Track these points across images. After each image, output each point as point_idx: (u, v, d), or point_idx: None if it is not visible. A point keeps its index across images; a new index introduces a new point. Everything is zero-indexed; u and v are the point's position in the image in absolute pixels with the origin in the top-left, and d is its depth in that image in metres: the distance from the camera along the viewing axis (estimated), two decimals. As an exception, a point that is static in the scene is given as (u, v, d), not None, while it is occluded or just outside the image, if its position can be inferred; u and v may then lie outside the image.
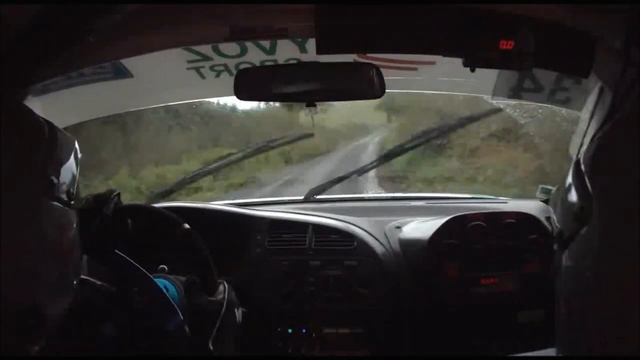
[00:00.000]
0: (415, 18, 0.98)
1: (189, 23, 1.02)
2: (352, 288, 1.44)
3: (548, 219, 1.47)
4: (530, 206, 1.63)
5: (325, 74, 1.15)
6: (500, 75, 1.52)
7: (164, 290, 1.06)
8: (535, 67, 1.06)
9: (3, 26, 0.71)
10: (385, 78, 1.12)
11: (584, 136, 1.29)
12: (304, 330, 1.45)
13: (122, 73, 1.45)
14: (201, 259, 1.15)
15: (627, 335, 0.49)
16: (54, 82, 1.31)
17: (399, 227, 1.60)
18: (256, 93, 1.23)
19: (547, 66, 1.10)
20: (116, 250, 1.06)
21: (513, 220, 1.42)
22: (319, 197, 1.95)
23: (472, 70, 1.00)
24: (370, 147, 7.77)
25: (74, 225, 0.81)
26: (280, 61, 1.52)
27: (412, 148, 2.01)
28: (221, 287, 1.01)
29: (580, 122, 1.40)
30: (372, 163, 2.02)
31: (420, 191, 3.49)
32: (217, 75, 1.59)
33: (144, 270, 1.06)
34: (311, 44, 1.11)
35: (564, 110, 1.68)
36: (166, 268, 1.14)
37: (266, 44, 1.44)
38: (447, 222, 1.44)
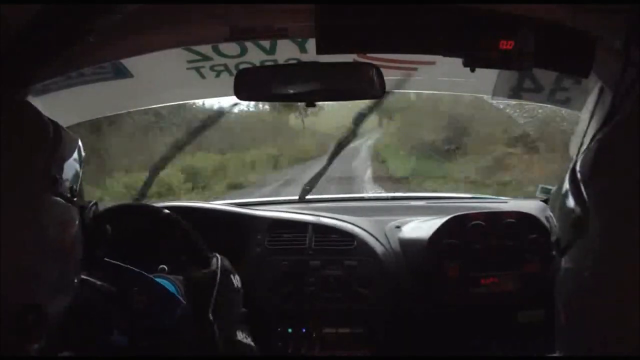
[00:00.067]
0: (415, 18, 0.98)
1: (189, 23, 1.02)
2: (352, 288, 1.44)
3: (548, 218, 1.47)
4: (530, 206, 1.63)
5: (325, 74, 1.14)
6: (500, 75, 1.52)
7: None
8: (535, 67, 1.06)
9: (3, 26, 0.71)
10: (385, 78, 1.12)
11: (584, 136, 1.29)
12: (304, 330, 1.45)
13: (122, 73, 1.45)
14: (187, 238, 1.15)
15: (627, 335, 0.49)
16: (54, 82, 1.31)
17: (399, 227, 1.60)
18: (256, 93, 1.23)
19: (547, 66, 1.10)
20: (105, 258, 1.06)
21: (513, 220, 1.42)
22: (318, 197, 1.95)
23: (472, 70, 1.00)
24: (362, 152, 7.68)
25: (76, 222, 0.81)
26: (280, 61, 1.52)
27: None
28: (214, 260, 1.01)
29: (580, 122, 1.40)
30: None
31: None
32: (217, 75, 1.59)
33: (137, 270, 1.06)
34: (311, 44, 1.11)
35: (564, 110, 1.68)
36: (166, 268, 1.14)
37: (266, 44, 1.44)
38: (447, 221, 1.44)
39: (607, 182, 0.53)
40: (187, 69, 1.53)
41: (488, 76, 1.51)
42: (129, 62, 1.39)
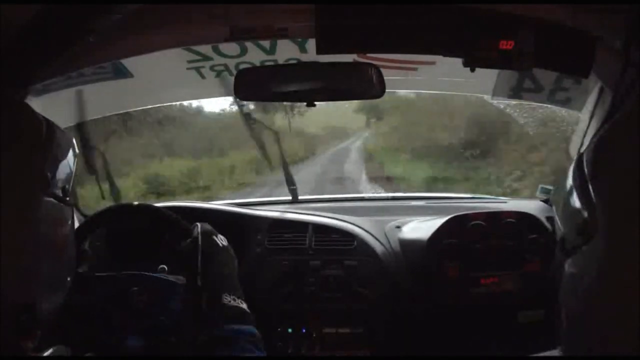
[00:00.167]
0: (415, 18, 0.98)
1: (189, 23, 1.02)
2: (352, 288, 1.44)
3: (548, 218, 1.47)
4: (530, 206, 1.64)
5: (325, 74, 1.14)
6: (500, 75, 1.52)
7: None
8: (535, 67, 1.06)
9: (3, 26, 0.71)
10: (385, 78, 1.12)
11: (584, 136, 1.29)
12: (304, 330, 1.45)
13: (122, 73, 1.45)
14: (160, 216, 1.15)
15: (631, 337, 0.49)
16: (54, 82, 1.31)
17: (399, 227, 1.60)
18: (256, 93, 1.23)
19: (547, 66, 1.10)
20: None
21: (513, 220, 1.42)
22: (317, 197, 1.95)
23: (472, 70, 1.00)
24: (352, 153, 7.55)
25: (69, 222, 0.81)
26: (280, 61, 1.52)
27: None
28: (195, 229, 1.00)
29: (580, 122, 1.40)
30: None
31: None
32: (217, 75, 1.59)
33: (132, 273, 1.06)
34: (311, 44, 1.11)
35: (564, 110, 1.68)
36: (166, 268, 1.14)
37: (266, 44, 1.44)
38: (447, 221, 1.44)
39: (614, 185, 0.53)
40: (187, 69, 1.53)
41: (488, 76, 1.50)
42: (129, 62, 1.39)
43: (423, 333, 1.49)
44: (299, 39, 1.37)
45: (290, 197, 1.89)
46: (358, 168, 6.44)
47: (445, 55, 1.02)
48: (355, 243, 1.51)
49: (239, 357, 0.80)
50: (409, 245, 1.52)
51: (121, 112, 1.90)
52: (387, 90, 1.13)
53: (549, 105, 1.68)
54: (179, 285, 1.06)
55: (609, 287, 0.52)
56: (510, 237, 1.41)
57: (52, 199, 0.74)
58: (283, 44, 1.42)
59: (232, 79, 1.15)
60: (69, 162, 0.81)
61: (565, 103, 1.58)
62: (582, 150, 1.05)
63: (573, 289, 0.58)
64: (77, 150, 0.85)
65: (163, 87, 1.66)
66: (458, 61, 1.00)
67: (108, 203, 1.81)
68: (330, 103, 1.14)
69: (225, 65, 1.54)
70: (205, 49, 1.43)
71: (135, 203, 1.22)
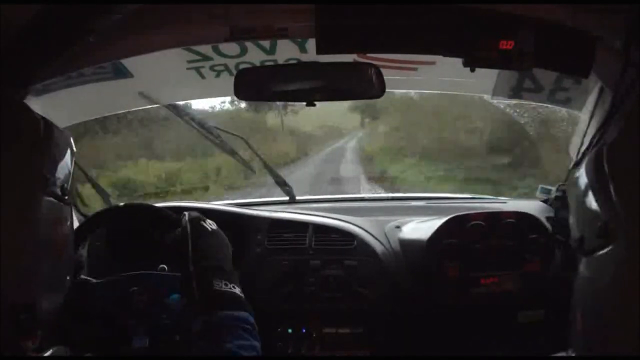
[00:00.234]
0: (415, 18, 0.98)
1: (189, 23, 1.02)
2: (352, 288, 1.44)
3: (548, 219, 1.47)
4: (530, 206, 1.64)
5: (325, 74, 1.15)
6: (500, 75, 1.52)
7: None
8: (535, 67, 1.06)
9: (3, 26, 0.71)
10: (385, 78, 1.12)
11: (584, 136, 1.29)
12: (304, 330, 1.45)
13: (122, 73, 1.45)
14: (161, 216, 1.15)
15: None
16: (54, 82, 1.31)
17: (398, 227, 1.60)
18: (256, 93, 1.23)
19: (547, 66, 1.10)
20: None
21: (513, 220, 1.42)
22: (317, 197, 1.95)
23: (472, 70, 1.00)
24: (347, 153, 7.41)
25: (68, 221, 0.82)
26: (280, 61, 1.52)
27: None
28: (183, 218, 0.99)
29: (580, 122, 1.40)
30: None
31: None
32: (217, 75, 1.59)
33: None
34: (311, 44, 1.11)
35: (564, 110, 1.68)
36: (166, 268, 1.14)
37: (266, 44, 1.44)
38: (447, 221, 1.44)
39: (637, 182, 0.52)
40: (187, 69, 1.53)
41: (488, 76, 1.50)
42: (129, 62, 1.39)
43: (423, 333, 1.49)
44: (299, 39, 1.37)
45: (287, 198, 1.89)
46: (355, 169, 6.37)
47: (445, 55, 1.02)
48: (355, 243, 1.51)
49: (238, 358, 0.80)
50: (409, 245, 1.52)
51: (121, 112, 1.90)
52: (387, 90, 1.13)
53: (549, 105, 1.68)
54: (177, 280, 1.06)
55: (628, 291, 0.51)
56: (510, 237, 1.41)
57: (51, 198, 0.74)
58: (283, 44, 1.42)
59: (232, 79, 1.16)
60: (67, 161, 0.82)
61: (565, 103, 1.58)
62: (582, 149, 1.04)
63: (589, 291, 0.58)
64: (74, 150, 0.85)
65: (163, 87, 1.66)
66: (458, 61, 1.00)
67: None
68: (325, 102, 1.13)
69: (225, 65, 1.54)
70: (205, 49, 1.43)
71: (136, 203, 1.22)
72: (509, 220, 1.42)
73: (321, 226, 1.55)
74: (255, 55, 1.48)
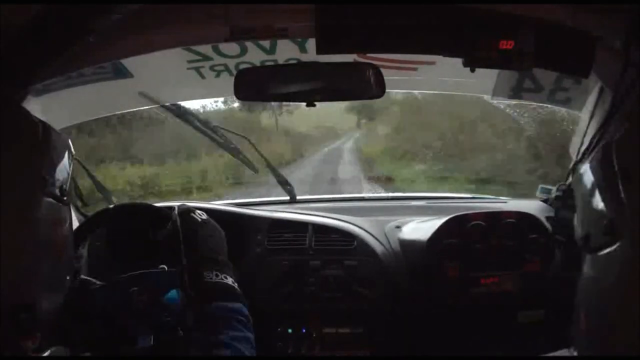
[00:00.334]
0: (415, 18, 0.98)
1: (189, 23, 1.02)
2: (352, 288, 1.44)
3: (548, 218, 1.47)
4: (530, 206, 1.64)
5: (325, 74, 1.14)
6: (500, 75, 1.52)
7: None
8: (535, 67, 1.06)
9: (3, 26, 0.71)
10: (385, 78, 1.12)
11: (584, 136, 1.29)
12: (304, 330, 1.45)
13: (122, 73, 1.45)
14: (161, 216, 1.14)
15: None
16: (54, 82, 1.31)
17: (399, 227, 1.60)
18: (256, 93, 1.23)
19: (547, 66, 1.10)
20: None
21: (513, 220, 1.42)
22: (317, 197, 1.95)
23: (472, 70, 1.00)
24: (344, 155, 7.24)
25: (68, 221, 0.82)
26: (280, 61, 1.52)
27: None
28: (173, 212, 0.98)
29: (580, 122, 1.40)
30: None
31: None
32: (217, 75, 1.58)
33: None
34: (311, 44, 1.11)
35: (564, 110, 1.68)
36: (166, 268, 1.14)
37: (266, 44, 1.44)
38: (447, 221, 1.44)
39: None
40: (187, 69, 1.53)
41: (488, 76, 1.50)
42: (129, 62, 1.39)
43: (423, 333, 1.49)
44: (299, 39, 1.37)
45: (287, 197, 1.89)
46: (353, 169, 6.32)
47: (445, 55, 1.02)
48: (355, 243, 1.51)
49: (237, 358, 0.80)
50: (409, 245, 1.52)
51: (121, 112, 1.90)
52: (387, 90, 1.13)
53: (549, 105, 1.68)
54: (175, 275, 1.06)
55: (633, 290, 0.51)
56: (510, 237, 1.41)
57: (50, 199, 0.74)
58: (283, 44, 1.42)
59: (232, 79, 1.16)
60: (66, 163, 0.82)
61: (565, 103, 1.58)
62: (582, 149, 1.04)
63: (594, 290, 0.58)
64: (73, 152, 0.85)
65: (163, 87, 1.66)
66: (458, 61, 1.00)
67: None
68: (322, 102, 1.13)
69: (225, 65, 1.54)
70: (205, 49, 1.42)
71: (135, 203, 1.22)
72: (509, 220, 1.42)
73: (321, 226, 1.55)
74: (255, 55, 1.48)
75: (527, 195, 2.13)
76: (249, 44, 1.43)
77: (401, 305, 1.48)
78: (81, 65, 1.11)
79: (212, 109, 4.76)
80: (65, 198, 0.79)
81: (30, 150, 0.73)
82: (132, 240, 1.37)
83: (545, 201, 1.66)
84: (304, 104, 1.13)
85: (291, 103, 1.16)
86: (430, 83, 1.72)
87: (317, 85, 1.13)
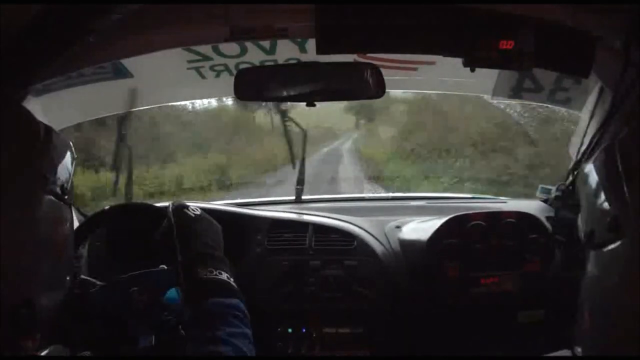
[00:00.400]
0: (415, 18, 0.98)
1: (189, 23, 1.02)
2: (352, 288, 1.44)
3: (548, 218, 1.47)
4: (530, 206, 1.63)
5: (325, 74, 1.14)
6: (500, 75, 1.52)
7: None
8: (535, 67, 1.06)
9: (3, 26, 0.71)
10: (385, 78, 1.12)
11: (584, 136, 1.29)
12: (304, 330, 1.45)
13: (122, 73, 1.45)
14: (161, 216, 1.14)
15: None
16: (54, 82, 1.31)
17: (399, 227, 1.60)
18: (256, 93, 1.23)
19: (547, 66, 1.11)
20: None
21: (513, 220, 1.42)
22: (317, 197, 1.95)
23: (472, 70, 1.01)
24: (344, 155, 7.15)
25: (68, 221, 0.82)
26: (280, 61, 1.52)
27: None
28: (168, 209, 0.98)
29: (580, 122, 1.40)
30: None
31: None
32: (217, 75, 1.59)
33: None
34: (311, 44, 1.11)
35: (564, 110, 1.68)
36: (166, 268, 1.14)
37: (266, 44, 1.44)
38: (447, 221, 1.44)
39: None
40: (187, 69, 1.53)
41: (488, 76, 1.50)
42: (129, 62, 1.39)
43: (423, 333, 1.49)
44: (299, 39, 1.37)
45: (293, 197, 1.89)
46: (353, 169, 6.26)
47: (445, 55, 1.02)
48: (355, 243, 1.51)
49: (237, 358, 0.80)
50: (409, 245, 1.52)
51: (121, 112, 1.90)
52: (387, 90, 1.13)
53: (549, 105, 1.68)
54: (174, 274, 1.06)
55: (636, 287, 0.51)
56: (510, 237, 1.41)
57: (51, 198, 0.74)
58: (283, 44, 1.42)
59: (232, 79, 1.15)
60: (67, 163, 0.82)
61: (565, 103, 1.58)
62: (582, 149, 1.04)
63: (597, 288, 0.58)
64: (74, 153, 0.86)
65: (163, 87, 1.66)
66: (458, 61, 1.00)
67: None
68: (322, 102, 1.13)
69: (225, 65, 1.54)
70: (205, 49, 1.42)
71: (135, 203, 1.22)
72: (509, 220, 1.42)
73: (321, 226, 1.55)
74: (255, 55, 1.48)
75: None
76: (249, 44, 1.43)
77: (401, 305, 1.48)
78: (81, 65, 1.11)
79: (200, 106, 4.56)
80: (66, 197, 0.79)
81: (30, 150, 0.73)
82: (131, 240, 1.37)
83: (545, 201, 1.66)
84: (303, 103, 1.13)
85: (289, 102, 1.17)
86: (430, 83, 1.72)
87: (317, 85, 1.13)
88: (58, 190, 0.77)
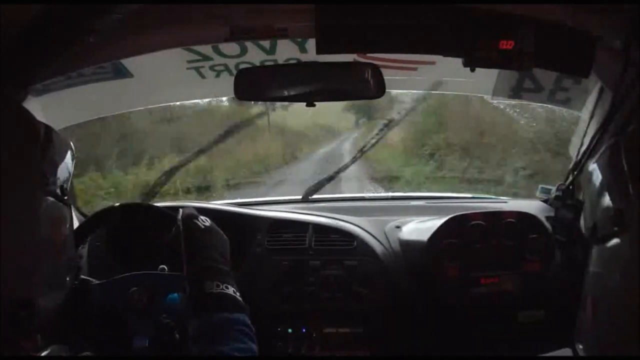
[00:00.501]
0: (415, 18, 0.98)
1: (189, 23, 1.02)
2: (352, 288, 1.44)
3: (548, 218, 1.47)
4: (531, 206, 1.63)
5: (325, 74, 1.15)
6: (500, 75, 1.52)
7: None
8: (535, 67, 1.06)
9: (3, 26, 0.71)
10: (385, 78, 1.12)
11: (584, 136, 1.29)
12: (304, 330, 1.45)
13: (122, 73, 1.45)
14: (161, 216, 1.14)
15: None
16: (54, 82, 1.31)
17: (398, 227, 1.60)
18: (256, 93, 1.24)
19: (547, 66, 1.11)
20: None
21: (513, 220, 1.42)
22: (318, 196, 1.95)
23: (472, 70, 1.00)
24: (344, 155, 7.18)
25: (68, 221, 0.82)
26: (280, 61, 1.52)
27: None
28: (178, 216, 0.97)
29: (580, 122, 1.40)
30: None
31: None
32: (217, 75, 1.59)
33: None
34: (311, 44, 1.11)
35: (564, 110, 1.68)
36: (166, 268, 1.14)
37: (266, 44, 1.44)
38: (447, 221, 1.44)
39: None
40: (187, 69, 1.53)
41: (488, 76, 1.50)
42: (129, 62, 1.39)
43: (423, 333, 1.49)
44: (299, 39, 1.37)
45: (298, 197, 1.89)
46: (353, 170, 6.20)
47: (445, 55, 1.02)
48: (355, 243, 1.51)
49: (237, 358, 0.80)
50: (409, 245, 1.52)
51: (121, 112, 1.90)
52: (387, 90, 1.13)
53: (549, 105, 1.68)
54: (177, 280, 1.06)
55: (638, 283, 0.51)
56: (510, 237, 1.41)
57: (51, 198, 0.74)
58: (283, 44, 1.42)
59: (232, 78, 1.15)
60: (67, 163, 0.82)
61: (565, 103, 1.58)
62: (582, 149, 1.04)
63: (600, 286, 0.58)
64: (74, 153, 0.86)
65: (163, 87, 1.66)
66: (458, 61, 1.00)
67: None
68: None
69: (225, 65, 1.54)
70: (205, 49, 1.42)
71: (135, 203, 1.22)
72: (509, 220, 1.42)
73: (321, 226, 1.55)
74: (255, 55, 1.48)
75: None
76: (249, 44, 1.43)
77: (401, 305, 1.48)
78: (81, 65, 1.11)
79: (192, 103, 4.24)
80: (66, 198, 0.79)
81: (30, 150, 0.73)
82: (132, 241, 1.37)
83: (545, 201, 1.66)
84: (302, 103, 1.13)
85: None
86: (430, 83, 1.72)
87: (317, 85, 1.13)
88: (57, 190, 0.77)
